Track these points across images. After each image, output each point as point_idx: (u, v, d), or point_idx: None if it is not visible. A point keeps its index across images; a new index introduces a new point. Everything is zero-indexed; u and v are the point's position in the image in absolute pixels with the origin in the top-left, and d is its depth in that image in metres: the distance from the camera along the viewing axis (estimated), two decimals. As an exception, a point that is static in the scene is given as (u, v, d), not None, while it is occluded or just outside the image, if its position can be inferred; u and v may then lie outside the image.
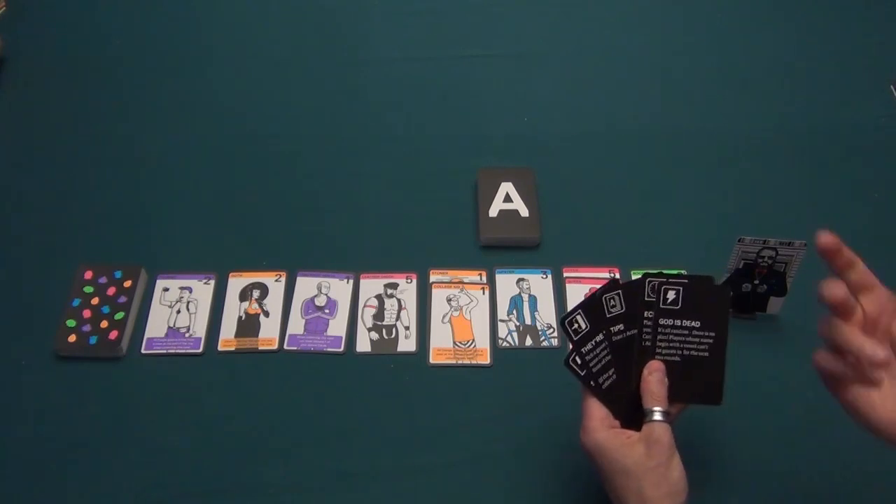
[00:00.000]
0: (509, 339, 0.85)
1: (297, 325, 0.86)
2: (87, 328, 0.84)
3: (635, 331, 0.68)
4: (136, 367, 0.84)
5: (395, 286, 0.89)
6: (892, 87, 1.08)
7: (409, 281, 0.90)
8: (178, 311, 0.87)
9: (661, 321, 0.68)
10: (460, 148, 1.03)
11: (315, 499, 0.75)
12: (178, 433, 0.79)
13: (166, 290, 0.89)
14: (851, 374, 0.61)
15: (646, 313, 0.68)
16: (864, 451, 0.70)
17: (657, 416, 0.64)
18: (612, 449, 0.63)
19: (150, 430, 0.79)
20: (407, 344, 0.85)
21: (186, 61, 1.13)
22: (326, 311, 0.87)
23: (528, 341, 0.85)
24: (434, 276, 0.90)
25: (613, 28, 1.18)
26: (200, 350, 0.84)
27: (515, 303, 0.88)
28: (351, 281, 0.89)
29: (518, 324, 0.86)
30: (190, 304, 0.88)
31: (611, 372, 0.68)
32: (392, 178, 1.00)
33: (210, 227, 0.95)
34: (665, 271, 0.70)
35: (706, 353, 0.68)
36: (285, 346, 0.85)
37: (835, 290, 0.63)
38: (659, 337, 0.68)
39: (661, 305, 0.68)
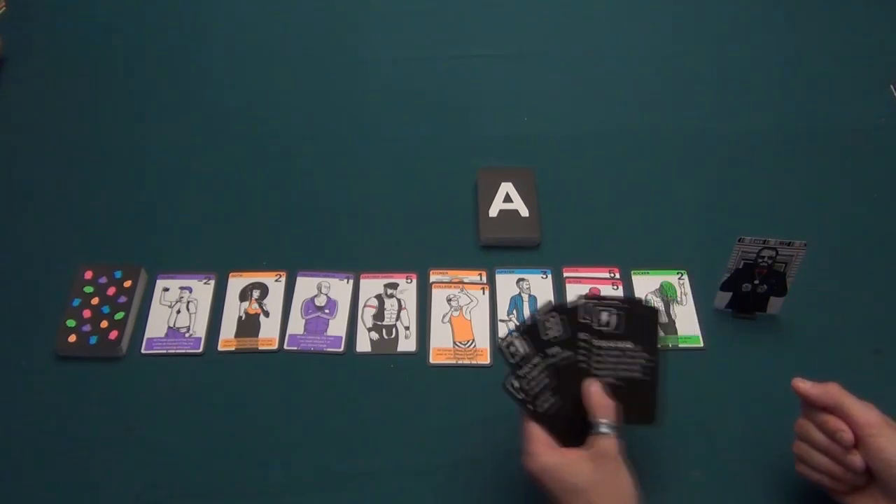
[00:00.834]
0: (509, 339, 0.85)
1: (297, 325, 0.86)
2: (87, 328, 0.84)
3: (571, 353, 0.68)
4: (136, 367, 0.84)
5: (395, 286, 0.89)
6: (892, 87, 1.08)
7: (409, 281, 0.90)
8: (178, 311, 0.87)
9: (596, 343, 0.69)
10: (460, 148, 1.03)
11: (315, 499, 0.75)
12: (178, 433, 0.79)
13: (166, 290, 0.89)
14: (831, 483, 0.66)
15: (581, 335, 0.69)
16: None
17: (604, 429, 0.64)
18: (558, 468, 0.63)
19: (150, 430, 0.79)
20: (407, 344, 0.85)
21: (186, 61, 1.13)
22: (326, 311, 0.87)
23: (528, 341, 0.85)
24: (434, 276, 0.90)
25: (613, 28, 1.18)
26: (200, 350, 0.84)
27: (515, 303, 0.88)
28: (351, 281, 0.89)
29: (518, 324, 0.86)
30: (190, 304, 0.88)
31: (549, 395, 0.68)
32: (392, 178, 1.00)
33: (210, 227, 0.95)
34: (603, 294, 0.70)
35: (640, 374, 0.69)
36: (285, 346, 0.85)
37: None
38: (595, 358, 0.69)
39: (595, 327, 0.69)
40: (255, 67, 1.13)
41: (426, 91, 1.10)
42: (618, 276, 0.89)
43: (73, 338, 0.84)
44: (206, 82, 1.11)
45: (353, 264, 0.91)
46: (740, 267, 0.82)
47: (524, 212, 0.93)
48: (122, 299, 0.86)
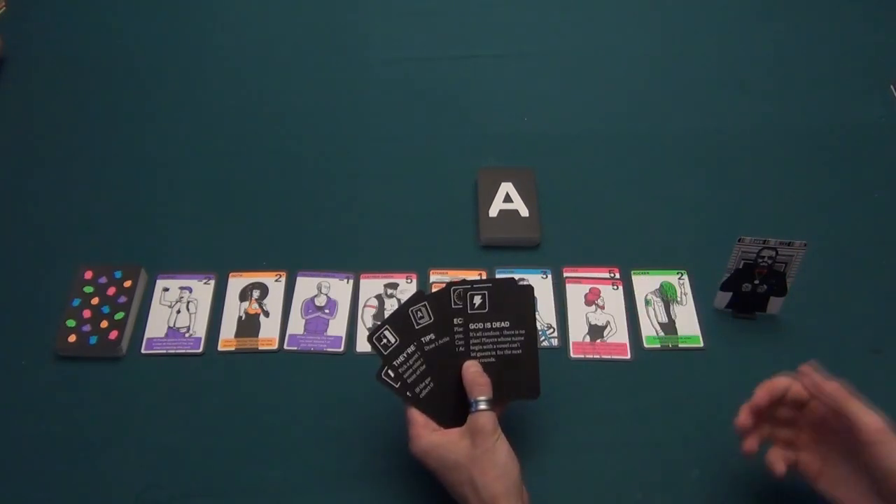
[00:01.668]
0: (509, 339, 0.85)
1: (297, 325, 0.86)
2: (87, 328, 0.84)
3: (447, 339, 0.72)
4: (136, 367, 0.84)
5: (395, 286, 0.89)
6: (892, 87, 1.08)
7: (409, 281, 0.90)
8: (178, 311, 0.87)
9: (472, 325, 0.72)
10: (460, 148, 1.03)
11: (315, 499, 0.75)
12: (178, 433, 0.79)
13: (166, 290, 0.89)
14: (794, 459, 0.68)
15: (455, 320, 0.72)
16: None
17: (482, 406, 0.67)
18: (438, 447, 0.67)
19: (150, 430, 0.79)
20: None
21: (186, 61, 1.13)
22: (326, 311, 0.87)
23: (528, 341, 0.85)
24: (434, 276, 0.90)
25: (613, 28, 1.18)
26: (200, 350, 0.84)
27: (515, 303, 0.88)
28: (351, 281, 0.89)
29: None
30: (190, 304, 0.88)
31: (427, 381, 0.71)
32: (392, 178, 1.00)
33: (210, 227, 0.95)
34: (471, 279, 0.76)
35: (519, 351, 0.72)
36: (285, 346, 0.85)
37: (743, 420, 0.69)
38: (472, 341, 0.72)
39: (469, 311, 0.72)
40: (256, 67, 1.13)
41: (426, 91, 1.10)
42: (618, 276, 0.89)
43: (73, 338, 0.84)
44: (207, 82, 1.11)
45: (353, 264, 0.91)
46: (740, 267, 0.82)
47: (524, 212, 0.93)
48: (122, 299, 0.86)
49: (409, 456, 0.75)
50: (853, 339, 0.85)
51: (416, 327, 0.71)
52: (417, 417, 0.69)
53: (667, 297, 0.88)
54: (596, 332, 0.86)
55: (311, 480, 0.76)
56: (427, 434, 0.68)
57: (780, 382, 0.68)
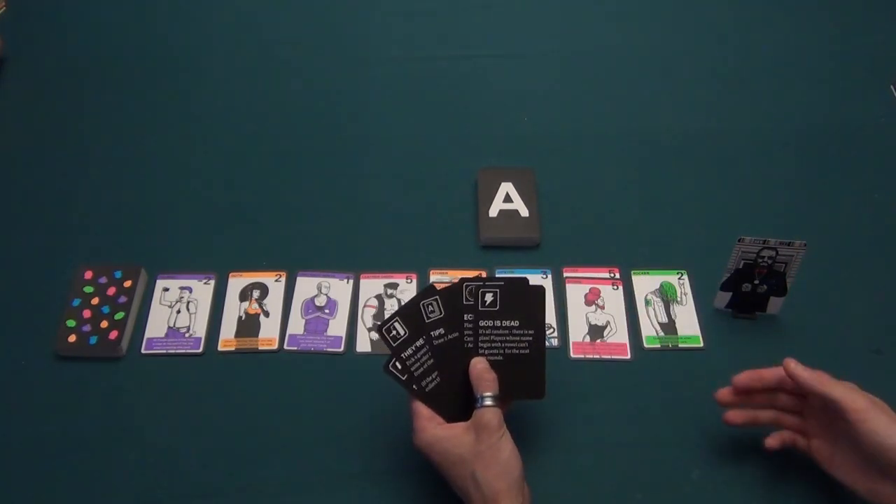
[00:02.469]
0: (509, 339, 0.85)
1: (297, 325, 0.86)
2: (87, 328, 0.84)
3: (456, 334, 0.72)
4: (136, 367, 0.84)
5: (395, 286, 0.89)
6: (892, 87, 1.08)
7: (409, 281, 0.90)
8: (178, 311, 0.87)
9: (482, 323, 0.72)
10: (460, 148, 1.03)
11: (315, 499, 0.75)
12: (178, 433, 0.79)
13: (166, 290, 0.89)
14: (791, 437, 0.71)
15: (466, 316, 0.72)
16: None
17: (487, 402, 0.68)
18: (443, 441, 0.67)
19: (150, 430, 0.79)
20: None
21: (186, 61, 1.13)
22: (326, 311, 0.87)
23: (528, 341, 0.85)
24: (434, 276, 0.90)
25: (613, 28, 1.18)
26: (200, 350, 0.84)
27: (515, 303, 0.88)
28: (351, 281, 0.89)
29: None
30: (190, 304, 0.88)
31: (434, 375, 0.71)
32: (392, 178, 1.00)
33: (210, 227, 0.95)
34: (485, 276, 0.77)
35: (527, 351, 0.73)
36: (285, 346, 0.85)
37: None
38: (481, 338, 0.72)
39: (479, 308, 0.72)
40: (256, 67, 1.13)
41: (426, 91, 1.10)
42: (618, 276, 0.89)
43: (73, 338, 0.84)
44: (207, 82, 1.11)
45: (353, 264, 0.91)
46: (740, 267, 0.82)
47: (524, 212, 0.93)
48: (122, 299, 0.86)
49: (409, 456, 0.75)
50: (853, 339, 0.85)
51: (427, 321, 0.71)
52: (423, 410, 0.69)
53: (667, 297, 0.88)
54: (596, 332, 0.86)
55: (311, 480, 0.76)
56: (432, 427, 0.68)
57: (770, 373, 0.71)
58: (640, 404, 0.80)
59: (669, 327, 0.86)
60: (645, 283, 0.89)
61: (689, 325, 0.86)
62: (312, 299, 0.88)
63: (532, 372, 0.73)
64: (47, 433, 0.79)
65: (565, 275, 0.90)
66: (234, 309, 0.87)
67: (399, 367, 0.70)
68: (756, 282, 0.83)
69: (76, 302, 0.86)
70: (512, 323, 0.72)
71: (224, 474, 0.76)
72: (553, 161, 1.00)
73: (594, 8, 1.20)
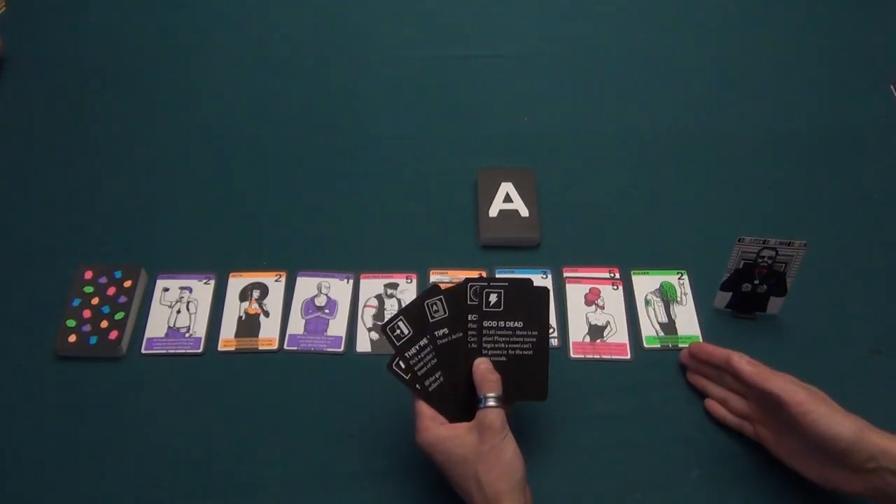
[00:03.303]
0: (509, 339, 0.85)
1: (297, 325, 0.86)
2: (87, 328, 0.84)
3: (460, 334, 0.72)
4: (136, 367, 0.84)
5: (395, 286, 0.89)
6: (892, 87, 1.08)
7: (409, 281, 0.90)
8: (178, 311, 0.87)
9: (486, 323, 0.72)
10: (460, 148, 1.03)
11: (315, 499, 0.75)
12: (178, 433, 0.79)
13: (166, 290, 0.89)
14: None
15: (470, 317, 0.72)
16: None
17: (491, 403, 0.68)
18: (445, 440, 0.67)
19: (150, 430, 0.79)
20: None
21: (186, 61, 1.13)
22: (326, 311, 0.87)
23: (528, 341, 0.85)
24: (434, 276, 0.90)
25: (613, 28, 1.18)
26: (200, 350, 0.85)
27: (515, 303, 0.88)
28: (351, 281, 0.89)
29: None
30: (190, 304, 0.88)
31: (437, 375, 0.71)
32: (392, 178, 1.00)
33: (210, 227, 0.95)
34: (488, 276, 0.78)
35: (530, 352, 0.72)
36: (285, 346, 0.85)
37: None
38: (484, 338, 0.72)
39: (483, 308, 0.72)
40: (255, 67, 1.13)
41: (426, 91, 1.10)
42: (618, 276, 0.89)
43: (73, 338, 0.84)
44: (207, 82, 1.11)
45: (353, 264, 0.91)
46: (740, 267, 0.82)
47: (524, 212, 0.93)
48: (122, 299, 0.86)
49: (410, 456, 0.75)
50: (853, 339, 0.85)
51: (431, 320, 0.71)
52: (426, 410, 0.69)
53: (667, 297, 0.88)
54: (596, 332, 0.86)
55: (311, 480, 0.76)
56: (435, 427, 0.68)
57: (718, 353, 0.76)
58: (640, 404, 0.80)
59: (669, 327, 0.86)
60: (645, 283, 0.89)
61: (689, 325, 0.86)
62: (312, 299, 0.88)
63: (535, 373, 0.73)
64: (47, 433, 0.79)
65: (565, 275, 0.90)
66: (234, 309, 0.87)
67: (402, 366, 0.70)
68: (756, 282, 0.83)
69: (76, 302, 0.86)
70: (516, 324, 0.72)
71: (224, 474, 0.76)
72: (553, 161, 1.00)
73: (594, 8, 1.20)
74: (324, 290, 0.89)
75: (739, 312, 0.86)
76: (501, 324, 0.72)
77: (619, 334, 0.85)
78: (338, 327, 0.86)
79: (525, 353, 0.73)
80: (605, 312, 0.87)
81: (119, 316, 0.85)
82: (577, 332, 0.85)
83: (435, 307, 0.71)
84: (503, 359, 0.72)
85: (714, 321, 0.86)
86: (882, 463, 0.62)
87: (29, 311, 0.87)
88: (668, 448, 0.77)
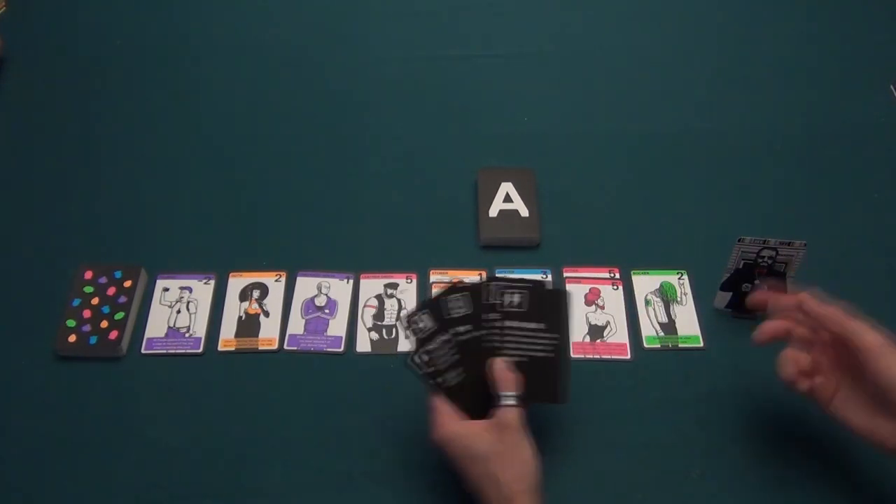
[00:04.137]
0: (509, 339, 0.85)
1: (297, 325, 0.86)
2: (87, 328, 0.84)
3: (481, 332, 0.71)
4: (136, 367, 0.84)
5: (395, 286, 0.89)
6: (892, 87, 1.08)
7: (409, 281, 0.90)
8: (178, 311, 0.87)
9: (507, 323, 0.71)
10: (460, 148, 1.03)
11: (315, 499, 0.75)
12: (178, 433, 0.79)
13: (166, 290, 0.89)
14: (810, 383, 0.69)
15: (492, 315, 0.71)
16: (862, 450, 0.70)
17: (509, 402, 0.67)
18: (463, 437, 0.66)
19: (150, 430, 0.79)
20: (407, 344, 0.84)
21: (186, 61, 1.13)
22: (326, 311, 0.87)
23: (528, 341, 0.85)
24: (434, 276, 0.90)
25: (613, 28, 1.18)
26: (200, 350, 0.85)
27: (515, 303, 0.88)
28: (351, 281, 0.89)
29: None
30: (190, 304, 0.88)
31: (459, 370, 0.71)
32: (392, 178, 1.00)
33: (210, 227, 0.95)
34: (511, 275, 0.77)
35: (552, 354, 0.72)
36: (285, 346, 0.85)
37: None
38: (506, 338, 0.71)
39: (506, 308, 0.71)
40: (255, 67, 1.13)
41: (426, 91, 1.10)
42: (618, 276, 0.89)
43: (73, 338, 0.84)
44: (206, 82, 1.11)
45: (353, 264, 0.91)
46: (740, 267, 0.82)
47: (524, 212, 0.93)
48: (122, 299, 0.86)
49: (410, 456, 0.75)
50: (853, 339, 0.84)
51: (453, 317, 0.71)
52: (444, 405, 0.69)
53: (667, 297, 0.88)
54: (596, 332, 0.86)
55: (311, 480, 0.76)
56: (452, 423, 0.68)
57: (787, 299, 0.71)
58: (640, 404, 0.80)
59: (669, 327, 0.86)
60: (645, 283, 0.89)
61: (689, 325, 0.86)
62: (312, 299, 0.88)
63: (555, 376, 0.72)
64: (47, 433, 0.79)
65: (565, 275, 0.90)
66: (234, 309, 0.87)
67: (421, 360, 0.70)
68: (756, 282, 0.83)
69: (76, 302, 0.86)
70: (538, 325, 0.72)
71: (224, 474, 0.76)
72: (553, 161, 1.00)
73: (594, 8, 1.20)
74: (324, 290, 0.89)
75: (739, 312, 0.86)
76: (523, 325, 0.72)
77: (619, 334, 0.85)
78: (338, 327, 0.86)
79: (547, 354, 0.72)
80: (605, 312, 0.87)
81: (119, 316, 0.85)
82: (577, 332, 0.85)
83: (458, 304, 0.71)
84: (524, 359, 0.72)
85: (714, 321, 0.86)
86: None
87: (29, 311, 0.87)
88: (668, 448, 0.77)
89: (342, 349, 0.85)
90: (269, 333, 0.85)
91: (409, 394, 0.81)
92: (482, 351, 0.71)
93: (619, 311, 0.87)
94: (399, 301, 0.88)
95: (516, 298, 0.72)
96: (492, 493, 0.64)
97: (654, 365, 0.83)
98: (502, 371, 0.69)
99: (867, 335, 0.65)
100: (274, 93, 1.09)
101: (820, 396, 0.69)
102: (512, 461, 0.65)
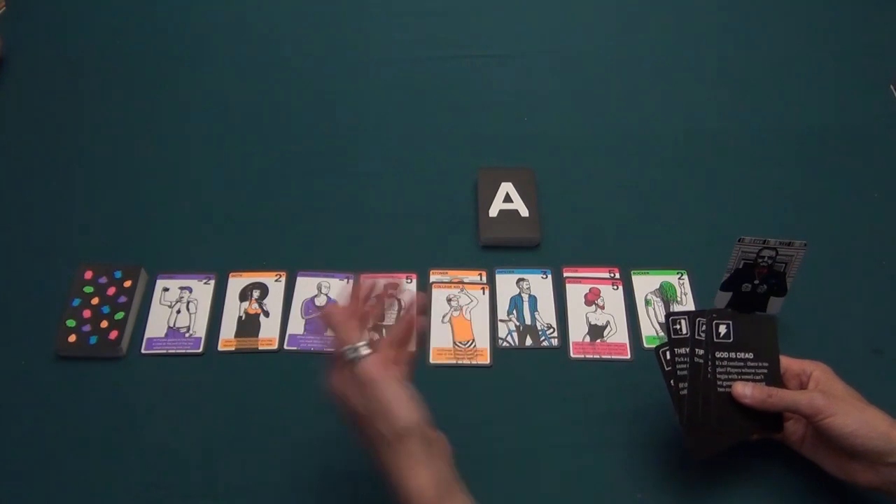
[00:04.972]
0: (509, 339, 0.85)
1: (297, 325, 0.86)
2: (87, 328, 0.84)
3: (701, 361, 0.72)
4: (136, 367, 0.84)
5: (395, 286, 0.89)
6: (892, 87, 1.08)
7: (409, 281, 0.90)
8: (178, 311, 0.87)
9: (717, 354, 0.72)
10: (460, 148, 1.03)
11: (315, 499, 0.75)
12: (178, 433, 0.79)
13: (166, 290, 0.89)
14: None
15: (700, 350, 0.73)
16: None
17: (364, 351, 0.63)
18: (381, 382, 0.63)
19: (150, 430, 0.79)
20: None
21: (186, 61, 1.13)
22: (326, 311, 0.87)
23: (528, 341, 0.85)
24: (434, 276, 0.90)
25: (613, 28, 1.18)
26: (200, 350, 0.84)
27: (515, 303, 0.88)
28: (351, 281, 0.89)
29: (518, 324, 0.86)
30: (190, 304, 0.88)
31: (685, 385, 0.72)
32: (392, 177, 1.00)
33: (210, 227, 0.95)
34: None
35: (763, 383, 0.72)
36: (285, 346, 0.85)
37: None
38: (718, 369, 0.72)
39: (714, 340, 0.72)
40: (255, 67, 1.13)
41: (426, 91, 1.10)
42: (618, 276, 0.89)
43: (73, 338, 0.84)
44: (207, 82, 1.11)
45: (353, 264, 0.91)
46: (740, 267, 0.82)
47: (524, 212, 0.93)
48: (122, 299, 0.86)
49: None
50: (853, 339, 0.85)
51: (696, 337, 0.73)
52: (390, 345, 0.66)
53: (667, 297, 0.88)
54: (596, 332, 0.86)
55: (311, 480, 0.76)
56: (390, 366, 0.64)
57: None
58: (640, 404, 0.80)
59: (669, 327, 0.85)
60: (645, 283, 0.89)
61: (689, 325, 0.86)
62: (312, 299, 0.88)
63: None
64: (47, 433, 0.79)
65: (565, 275, 0.90)
66: (234, 309, 0.87)
67: (667, 357, 0.72)
68: (756, 282, 0.83)
69: (76, 302, 0.86)
70: (746, 355, 0.73)
71: (224, 474, 0.76)
72: (553, 161, 1.00)
73: (594, 8, 1.20)
74: (324, 290, 0.89)
75: (739, 313, 0.86)
76: (732, 355, 0.72)
77: (619, 334, 0.85)
78: (338, 327, 0.86)
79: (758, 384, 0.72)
80: (605, 312, 0.87)
81: (119, 316, 0.85)
82: (577, 332, 0.85)
83: (718, 327, 0.73)
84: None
85: (714, 321, 0.86)
86: None
87: (29, 311, 0.87)
88: (667, 448, 0.77)
89: (342, 349, 0.84)
90: (269, 333, 0.85)
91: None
92: (701, 379, 0.72)
93: (620, 311, 0.87)
94: (399, 301, 0.88)
95: (722, 329, 0.73)
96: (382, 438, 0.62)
97: (654, 365, 0.83)
98: (339, 316, 0.64)
99: (805, 403, 0.67)
100: (274, 93, 1.09)
101: (790, 442, 0.73)
102: (383, 411, 0.61)
